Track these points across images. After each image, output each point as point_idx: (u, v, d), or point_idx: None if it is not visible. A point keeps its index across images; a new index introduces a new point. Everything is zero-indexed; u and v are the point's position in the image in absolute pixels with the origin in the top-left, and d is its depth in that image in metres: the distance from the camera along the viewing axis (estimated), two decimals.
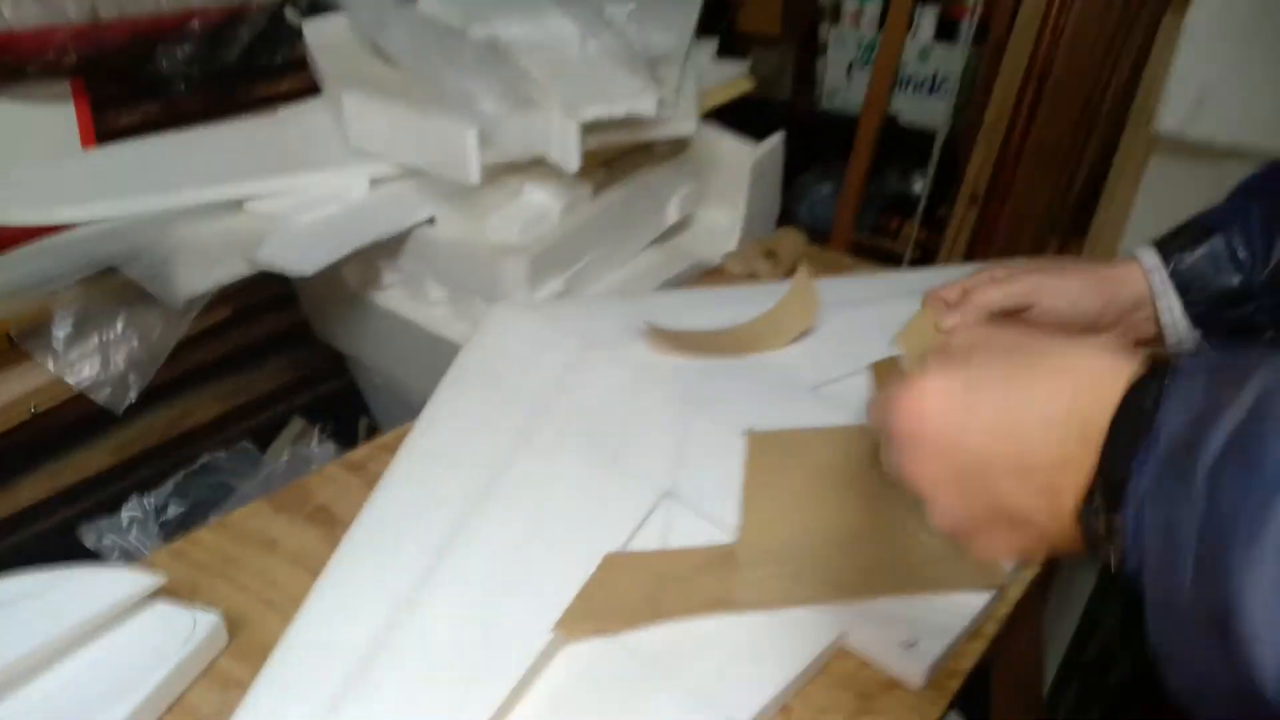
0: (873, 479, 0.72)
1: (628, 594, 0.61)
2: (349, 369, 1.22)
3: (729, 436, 0.74)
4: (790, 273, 1.07)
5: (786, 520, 0.67)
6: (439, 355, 1.01)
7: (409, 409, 1.15)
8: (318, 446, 0.97)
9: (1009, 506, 0.36)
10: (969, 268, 0.94)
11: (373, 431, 1.25)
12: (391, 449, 0.76)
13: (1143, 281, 0.63)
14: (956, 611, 0.62)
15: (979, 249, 1.65)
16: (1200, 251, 0.60)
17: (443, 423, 0.75)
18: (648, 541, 0.66)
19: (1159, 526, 0.30)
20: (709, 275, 1.09)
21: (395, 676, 0.55)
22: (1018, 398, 0.35)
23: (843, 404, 0.79)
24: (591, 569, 0.62)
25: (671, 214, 1.12)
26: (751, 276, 1.08)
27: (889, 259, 1.75)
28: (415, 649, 0.57)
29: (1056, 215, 1.56)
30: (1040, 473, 0.35)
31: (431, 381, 1.05)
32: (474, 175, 0.89)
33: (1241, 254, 0.59)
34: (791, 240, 1.08)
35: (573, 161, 0.90)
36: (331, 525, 0.69)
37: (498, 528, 0.65)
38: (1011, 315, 0.64)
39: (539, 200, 0.99)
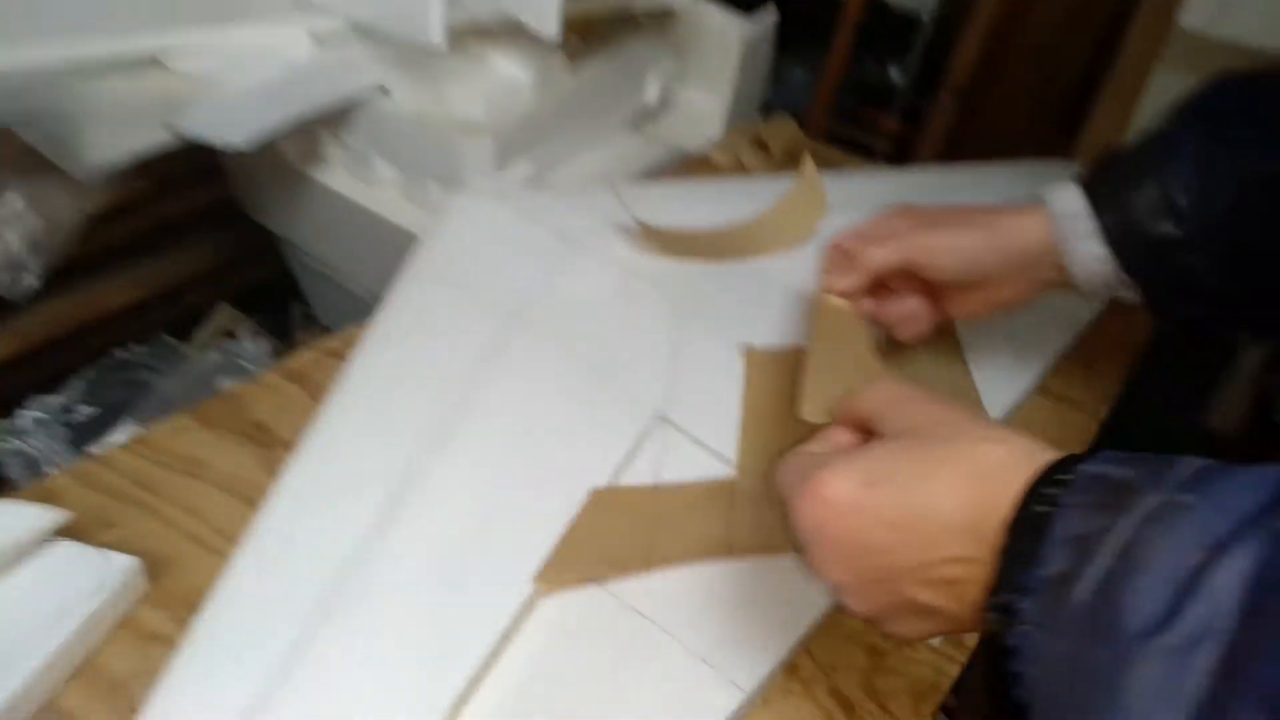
0: None
1: (617, 537, 0.53)
2: (281, 253, 1.10)
3: (727, 353, 0.66)
4: (781, 166, 0.97)
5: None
6: (385, 243, 0.90)
7: (349, 299, 1.04)
8: (248, 341, 0.86)
9: (917, 601, 0.36)
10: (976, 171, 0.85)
11: (307, 321, 1.13)
12: (339, 355, 0.66)
13: (1043, 231, 0.56)
14: None
15: (960, 146, 1.56)
16: (1133, 199, 0.53)
17: (401, 330, 0.65)
18: (639, 474, 0.58)
19: (1041, 656, 0.31)
20: (691, 165, 0.99)
21: (351, 639, 0.47)
22: (919, 494, 0.35)
23: None
24: (575, 507, 0.54)
25: (651, 92, 1.01)
26: (739, 168, 0.98)
27: (863, 152, 1.65)
28: (374, 606, 0.49)
29: (1044, 113, 1.48)
30: (942, 569, 0.35)
31: (376, 270, 0.94)
32: (436, 35, 0.76)
33: (1179, 200, 0.52)
34: (785, 130, 0.97)
35: (551, 27, 0.78)
36: (270, 446, 0.60)
37: (467, 459, 0.57)
38: (904, 275, 0.59)
39: (508, 71, 0.87)
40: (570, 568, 0.51)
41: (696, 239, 0.75)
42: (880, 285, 0.60)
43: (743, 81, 1.04)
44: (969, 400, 0.67)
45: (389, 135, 0.87)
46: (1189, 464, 0.31)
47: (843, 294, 0.60)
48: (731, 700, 0.48)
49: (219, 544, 0.53)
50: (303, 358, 0.67)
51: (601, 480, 0.56)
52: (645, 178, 0.97)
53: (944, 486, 0.35)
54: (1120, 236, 0.54)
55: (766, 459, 0.58)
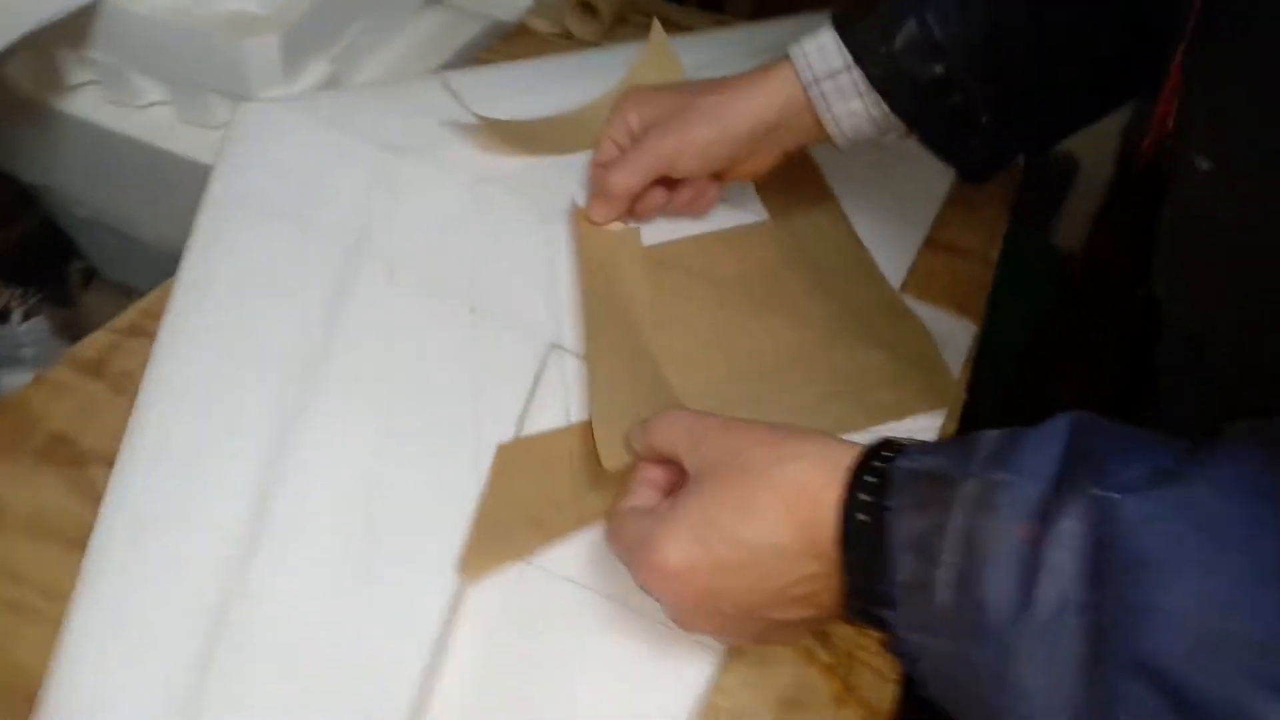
0: (787, 287, 0.59)
1: (539, 497, 0.46)
2: (40, 203, 0.91)
3: None
4: (612, 31, 0.87)
5: (695, 361, 0.54)
6: (164, 175, 0.76)
7: (134, 247, 0.88)
8: (20, 322, 0.71)
9: (782, 620, 0.37)
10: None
11: (90, 281, 0.96)
12: (144, 332, 0.54)
13: (788, 97, 0.55)
14: None
15: None
16: (896, 42, 0.51)
17: (218, 287, 0.53)
18: (547, 416, 0.50)
19: (927, 657, 0.32)
20: (509, 38, 0.87)
21: (257, 662, 0.38)
22: (745, 532, 0.36)
23: (737, 197, 0.64)
24: (482, 470, 0.46)
25: None
26: (564, 36, 0.87)
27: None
28: (268, 651, 0.40)
29: None
30: (794, 590, 0.36)
31: (163, 211, 0.80)
32: None
33: (937, 33, 0.51)
34: None
35: None
36: (79, 463, 0.48)
37: (339, 433, 0.47)
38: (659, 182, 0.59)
39: None
40: (495, 546, 0.44)
41: (546, 129, 0.65)
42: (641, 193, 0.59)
43: None
44: (865, 269, 0.62)
45: (144, 45, 0.71)
46: (988, 439, 0.32)
47: (601, 224, 0.59)
48: (706, 663, 0.42)
49: (42, 605, 0.42)
50: (97, 342, 0.54)
51: (505, 433, 0.48)
52: (459, 59, 0.85)
53: (765, 518, 0.35)
54: (890, 85, 0.52)
55: (679, 378, 0.52)
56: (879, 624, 0.34)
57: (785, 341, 0.56)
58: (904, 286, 0.63)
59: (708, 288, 0.58)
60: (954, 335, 0.59)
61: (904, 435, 0.52)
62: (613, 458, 0.44)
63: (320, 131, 0.62)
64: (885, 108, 0.53)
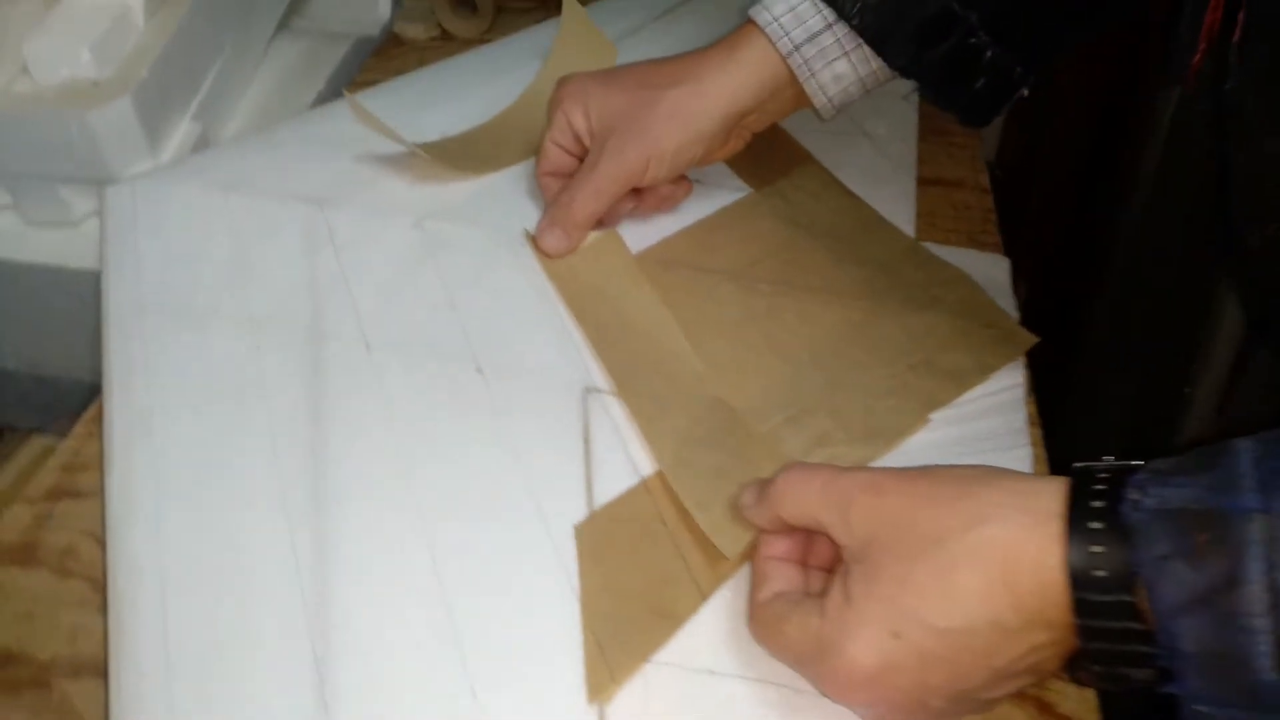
0: (808, 260, 0.53)
1: (645, 579, 0.38)
2: None
3: None
4: (494, 24, 0.77)
5: (746, 365, 0.47)
6: (21, 291, 0.63)
7: (23, 384, 0.74)
8: None
9: (996, 698, 0.32)
10: None
11: None
12: (74, 492, 0.43)
13: (761, 75, 0.48)
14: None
15: None
16: None
17: (165, 409, 0.42)
18: (615, 476, 0.41)
19: None
20: (382, 55, 0.77)
21: None
22: (951, 618, 0.30)
23: (709, 175, 0.57)
24: (565, 558, 0.38)
25: None
26: (443, 39, 0.77)
27: None
28: None
29: None
30: (1017, 666, 0.30)
31: (24, 333, 0.66)
32: None
33: None
34: None
35: None
36: (42, 684, 0.37)
37: (382, 554, 0.38)
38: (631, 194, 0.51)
39: None
40: (619, 653, 0.35)
41: (478, 143, 0.57)
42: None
43: None
44: (876, 224, 0.56)
45: None
46: (1244, 456, 0.27)
47: (559, 256, 0.51)
48: None
49: None
50: (16, 521, 0.43)
51: (575, 507, 0.40)
52: (332, 87, 0.74)
53: (975, 597, 0.30)
54: (882, 35, 0.46)
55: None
56: (1136, 684, 0.29)
57: (831, 320, 0.49)
58: (917, 233, 0.57)
59: (722, 281, 0.51)
60: (988, 272, 0.54)
61: (988, 395, 0.48)
62: (731, 542, 0.37)
63: (221, 199, 0.52)
64: (875, 63, 0.47)
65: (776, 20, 0.47)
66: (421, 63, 0.69)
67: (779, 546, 0.36)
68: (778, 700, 0.36)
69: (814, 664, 0.32)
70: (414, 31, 0.77)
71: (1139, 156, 0.67)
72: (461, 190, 0.54)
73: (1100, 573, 0.28)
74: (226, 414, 0.42)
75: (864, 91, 0.49)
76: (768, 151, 0.59)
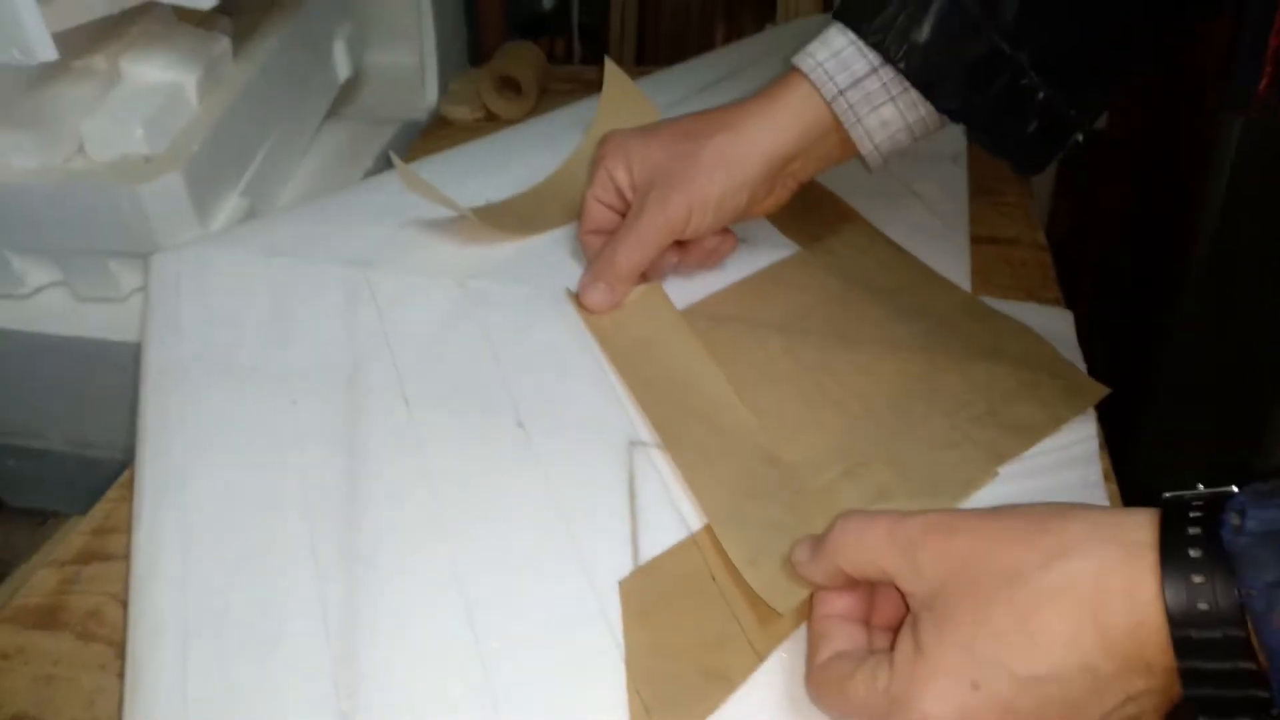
0: (862, 314, 0.51)
1: (699, 640, 0.35)
2: None
3: None
4: (537, 105, 0.79)
5: (801, 421, 0.44)
6: (69, 368, 0.63)
7: (45, 462, 0.74)
8: None
9: None
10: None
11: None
12: (103, 555, 0.41)
13: (810, 113, 0.47)
14: None
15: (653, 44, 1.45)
16: (925, 28, 0.44)
17: (198, 463, 0.41)
18: (662, 530, 0.39)
19: None
20: (429, 136, 0.78)
21: None
22: (1040, 659, 0.27)
23: (754, 233, 0.55)
24: (610, 617, 0.35)
25: (341, 64, 0.78)
26: (488, 119, 0.78)
27: None
28: None
29: None
30: (1107, 718, 0.27)
31: (69, 411, 0.66)
32: (44, 50, 0.50)
33: (972, 7, 0.43)
34: (528, 59, 0.79)
35: None
36: None
37: (418, 605, 0.35)
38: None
39: (157, 77, 0.61)
40: (667, 716, 0.32)
41: (524, 206, 0.56)
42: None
43: (442, 24, 0.84)
44: (930, 280, 0.54)
45: (18, 220, 0.59)
46: None
47: (603, 312, 0.49)
48: None
49: None
50: (42, 584, 0.41)
51: (620, 563, 0.37)
52: (379, 170, 0.75)
53: (1061, 640, 0.27)
54: (931, 77, 0.44)
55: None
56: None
57: (887, 373, 0.47)
58: (973, 289, 0.55)
59: (772, 334, 0.49)
60: (1051, 326, 0.52)
61: (1060, 449, 0.45)
62: (784, 598, 0.34)
63: (263, 262, 0.51)
64: (924, 109, 0.46)
65: (820, 65, 0.46)
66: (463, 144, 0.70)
67: (838, 604, 0.33)
68: None
69: (892, 713, 0.28)
70: (460, 114, 0.79)
71: (1203, 190, 0.65)
72: (505, 251, 0.53)
73: (1203, 605, 0.25)
74: (260, 469, 0.41)
75: (912, 139, 0.48)
76: (815, 210, 0.58)
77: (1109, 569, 0.27)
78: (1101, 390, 0.46)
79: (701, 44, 1.38)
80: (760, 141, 0.47)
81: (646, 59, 1.46)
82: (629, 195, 0.50)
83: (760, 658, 0.34)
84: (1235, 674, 0.25)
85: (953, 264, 0.56)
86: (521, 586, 0.36)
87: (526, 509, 0.39)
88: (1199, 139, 0.65)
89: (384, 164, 0.75)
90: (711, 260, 0.52)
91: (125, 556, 0.40)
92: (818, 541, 0.33)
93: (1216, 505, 0.26)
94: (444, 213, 0.55)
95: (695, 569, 0.37)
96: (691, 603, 0.36)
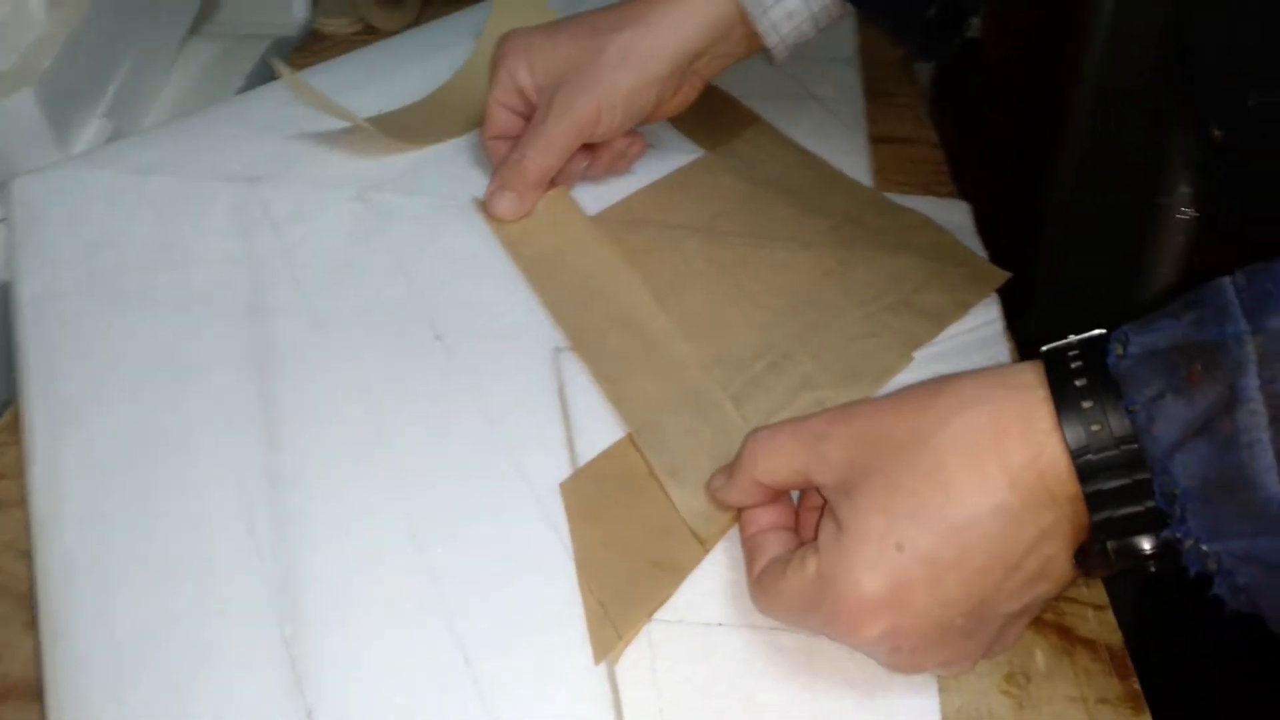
0: (773, 214, 0.51)
1: (644, 534, 0.35)
2: None
3: None
4: (422, 14, 0.75)
5: (722, 319, 0.44)
6: None
7: None
8: None
9: (1012, 613, 0.30)
10: None
11: None
12: None
13: (715, 6, 0.47)
14: None
15: None
16: None
17: (94, 400, 0.38)
18: (598, 433, 0.39)
19: (1248, 564, 0.25)
20: (304, 52, 0.74)
21: None
22: (955, 506, 0.28)
23: (658, 138, 0.55)
24: (556, 523, 0.35)
25: None
26: (367, 33, 0.74)
27: None
28: None
29: None
30: (1028, 562, 0.28)
31: None
32: None
33: None
34: None
35: None
36: None
37: (354, 528, 0.34)
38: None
39: None
40: (620, 609, 0.33)
41: (421, 115, 0.54)
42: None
43: None
44: (835, 179, 0.55)
45: None
46: (1224, 290, 0.26)
47: (513, 219, 0.48)
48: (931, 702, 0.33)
49: None
50: None
51: (559, 469, 0.37)
52: (252, 85, 0.70)
53: (967, 486, 0.28)
54: None
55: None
56: (1143, 556, 0.27)
57: (803, 267, 0.47)
58: (875, 186, 0.56)
59: (687, 235, 0.49)
60: (950, 217, 0.53)
61: (968, 331, 0.47)
62: (704, 521, 0.35)
63: (140, 182, 0.48)
64: (825, 0, 0.46)
65: None
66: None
67: (764, 518, 0.34)
68: (792, 646, 0.33)
69: (819, 606, 0.29)
70: (335, 26, 0.74)
71: (1078, 77, 0.68)
72: (405, 161, 0.51)
73: (1095, 427, 0.26)
74: (165, 398, 0.38)
75: (816, 30, 0.48)
76: (718, 115, 0.58)
77: (1002, 411, 0.28)
78: (1002, 275, 0.48)
79: None
80: (668, 37, 0.46)
81: None
82: (533, 97, 0.48)
83: (705, 547, 0.35)
84: (1132, 488, 0.26)
85: (854, 163, 0.57)
86: (461, 497, 0.36)
87: (457, 420, 0.38)
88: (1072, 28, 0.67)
89: (255, 82, 0.71)
90: (620, 164, 0.51)
91: (20, 503, 0.37)
92: (730, 464, 0.34)
93: (1095, 343, 0.28)
94: (334, 124, 0.52)
95: (633, 467, 0.37)
96: (633, 499, 0.36)
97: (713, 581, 0.35)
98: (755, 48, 0.48)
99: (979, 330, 0.46)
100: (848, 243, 0.49)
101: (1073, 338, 0.29)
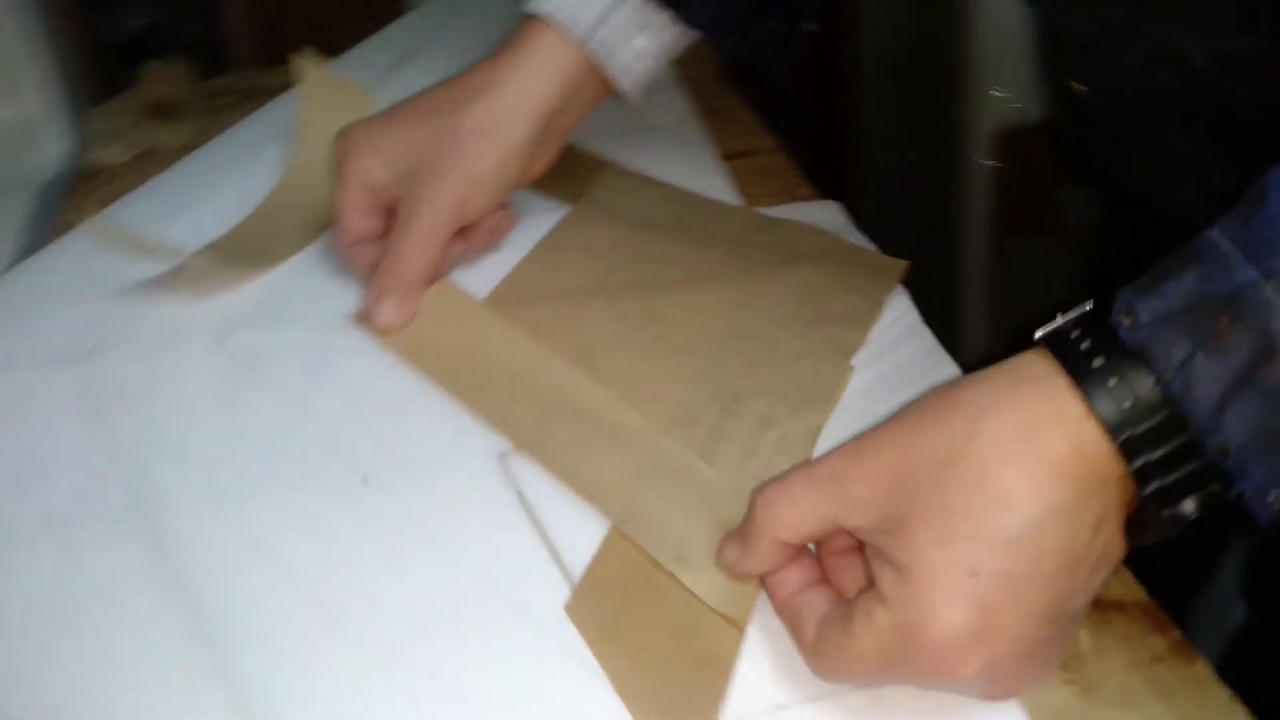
0: (661, 255, 0.49)
1: (680, 644, 0.32)
2: None
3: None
4: (204, 124, 0.68)
5: (654, 375, 0.42)
6: None
7: None
8: None
9: (1081, 608, 0.28)
10: None
11: None
12: None
13: (563, 60, 0.45)
14: None
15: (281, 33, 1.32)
16: None
17: None
18: (580, 538, 0.35)
19: None
20: (78, 193, 0.65)
21: None
22: (1011, 516, 0.26)
23: (521, 205, 0.52)
24: (572, 655, 0.31)
25: None
26: (149, 153, 0.67)
27: None
28: None
29: None
30: (1091, 552, 0.27)
31: None
32: None
33: None
34: (177, 75, 0.68)
35: None
36: None
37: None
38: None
39: None
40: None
41: (264, 232, 0.48)
42: None
43: (43, 63, 0.70)
44: (703, 206, 0.53)
45: None
46: (1214, 242, 0.26)
47: (399, 327, 0.43)
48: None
49: None
50: None
51: (553, 590, 0.33)
52: (26, 247, 0.62)
53: (1019, 493, 0.26)
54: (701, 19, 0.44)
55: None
56: (1189, 517, 0.27)
57: (714, 305, 0.46)
58: (743, 203, 0.55)
59: (586, 299, 0.46)
60: (825, 218, 0.53)
61: (890, 327, 0.46)
62: (734, 602, 0.32)
63: None
64: (672, 30, 0.45)
65: (560, 8, 0.43)
66: (128, 188, 0.59)
67: (792, 579, 0.31)
68: (863, 704, 0.31)
69: (905, 657, 0.27)
70: (109, 156, 0.66)
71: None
72: (256, 291, 0.46)
73: (1126, 403, 0.26)
74: (72, 635, 0.32)
75: (664, 64, 0.47)
76: (564, 166, 0.55)
77: (1029, 409, 0.27)
78: (902, 264, 0.48)
79: (338, 33, 1.28)
80: (521, 102, 0.43)
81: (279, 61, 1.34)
82: (391, 192, 0.44)
83: (741, 629, 0.32)
84: (1177, 452, 0.26)
85: (714, 184, 0.56)
86: (455, 664, 0.31)
87: (419, 573, 0.34)
88: None
89: (32, 241, 0.62)
90: (494, 240, 0.48)
91: None
92: (741, 531, 0.31)
93: (1095, 319, 0.28)
94: (159, 267, 0.46)
95: (633, 564, 0.34)
96: (647, 599, 0.33)
97: (750, 663, 0.32)
98: (607, 93, 0.47)
99: (899, 322, 0.46)
100: (746, 268, 0.48)
101: (1064, 318, 0.28)
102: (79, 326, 0.43)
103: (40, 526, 0.35)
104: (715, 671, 0.31)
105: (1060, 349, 0.27)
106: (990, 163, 0.91)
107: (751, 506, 0.31)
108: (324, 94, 0.52)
